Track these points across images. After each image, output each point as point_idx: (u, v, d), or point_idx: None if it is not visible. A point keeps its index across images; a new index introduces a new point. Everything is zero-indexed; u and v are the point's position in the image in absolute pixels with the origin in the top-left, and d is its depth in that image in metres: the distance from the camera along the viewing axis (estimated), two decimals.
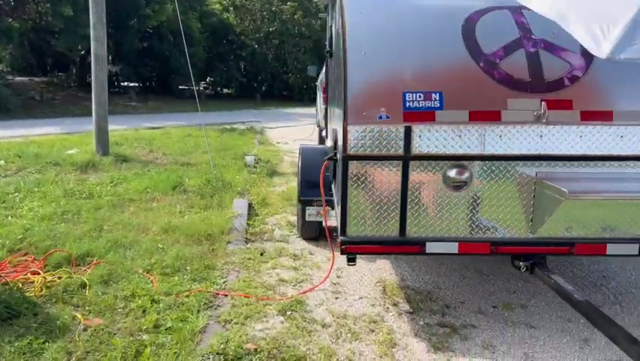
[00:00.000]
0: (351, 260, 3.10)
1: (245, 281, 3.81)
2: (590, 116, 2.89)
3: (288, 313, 3.35)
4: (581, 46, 3.01)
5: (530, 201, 2.96)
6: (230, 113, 18.53)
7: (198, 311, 3.30)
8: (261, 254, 4.37)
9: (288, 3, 26.91)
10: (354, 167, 2.93)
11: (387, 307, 3.47)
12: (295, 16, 26.95)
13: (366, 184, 2.95)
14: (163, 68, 24.94)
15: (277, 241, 4.79)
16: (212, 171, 6.89)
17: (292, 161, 9.20)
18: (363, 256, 3.41)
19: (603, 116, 2.90)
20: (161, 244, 4.48)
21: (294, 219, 5.46)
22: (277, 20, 27.07)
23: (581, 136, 2.90)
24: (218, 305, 3.44)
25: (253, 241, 4.76)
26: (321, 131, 9.61)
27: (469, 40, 3.04)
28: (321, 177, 3.56)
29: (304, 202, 4.41)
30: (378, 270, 4.09)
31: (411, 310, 3.43)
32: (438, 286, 3.83)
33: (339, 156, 3.32)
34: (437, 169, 2.94)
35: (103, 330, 3.09)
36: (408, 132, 2.88)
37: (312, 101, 27.30)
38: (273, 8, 27.25)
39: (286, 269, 4.11)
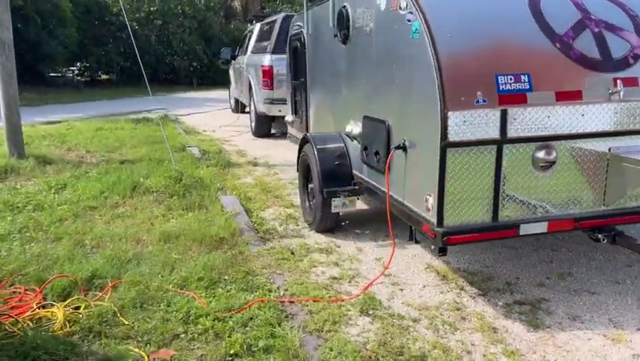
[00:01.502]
0: (442, 250, 3.02)
1: (298, 284, 3.54)
2: None
3: (370, 312, 3.19)
4: (635, 25, 3.20)
5: (603, 175, 3.11)
6: (126, 101, 17.06)
7: (279, 324, 3.00)
8: (292, 253, 4.09)
9: None
10: (451, 155, 2.83)
11: (458, 293, 3.46)
12: None
13: (462, 172, 2.88)
14: (31, 54, 22.06)
15: (293, 237, 4.52)
16: (174, 167, 6.27)
17: (237, 150, 8.73)
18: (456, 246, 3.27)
19: None
20: (175, 254, 4.00)
21: (291, 211, 5.20)
22: None
23: None
24: (291, 314, 3.15)
25: (269, 240, 4.43)
26: (269, 118, 9.31)
27: (539, 20, 3.07)
28: (387, 168, 3.39)
29: (329, 194, 4.20)
30: (415, 255, 4.05)
31: (482, 293, 3.46)
32: (484, 264, 3.90)
33: (407, 144, 3.19)
34: (527, 151, 2.95)
35: None
36: (504, 116, 2.84)
37: (199, 85, 26.22)
38: None
39: (328, 266, 3.90)
